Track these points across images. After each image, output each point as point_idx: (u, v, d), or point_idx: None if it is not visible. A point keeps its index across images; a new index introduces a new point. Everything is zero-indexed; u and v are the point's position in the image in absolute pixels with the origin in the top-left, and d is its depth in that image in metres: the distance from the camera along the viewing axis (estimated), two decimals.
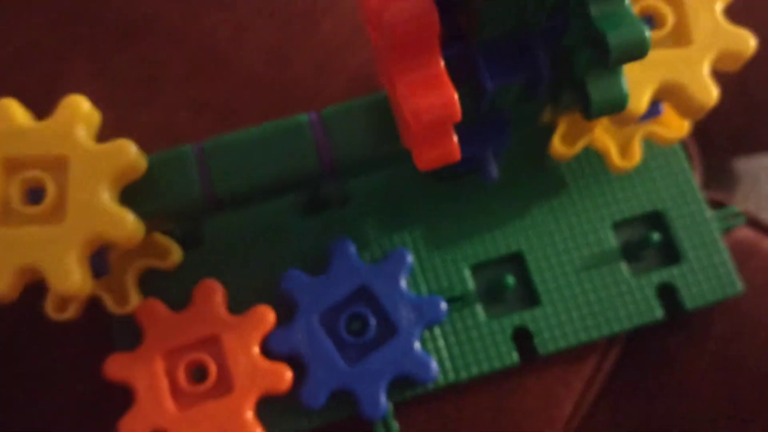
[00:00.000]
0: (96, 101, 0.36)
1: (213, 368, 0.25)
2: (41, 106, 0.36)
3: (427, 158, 0.20)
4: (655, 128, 0.28)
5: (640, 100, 0.23)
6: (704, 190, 0.32)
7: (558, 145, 0.27)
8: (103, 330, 0.28)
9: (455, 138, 0.20)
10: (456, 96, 0.19)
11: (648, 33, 0.19)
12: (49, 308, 0.26)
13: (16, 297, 0.23)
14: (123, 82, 0.35)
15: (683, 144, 0.31)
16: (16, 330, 0.30)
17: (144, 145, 0.36)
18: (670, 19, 0.25)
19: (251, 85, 0.35)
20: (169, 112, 0.35)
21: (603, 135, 0.28)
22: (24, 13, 0.37)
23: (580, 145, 0.27)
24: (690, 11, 0.24)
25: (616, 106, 0.21)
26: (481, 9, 0.19)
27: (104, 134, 0.26)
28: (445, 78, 0.19)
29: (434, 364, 0.26)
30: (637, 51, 0.19)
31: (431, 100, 0.19)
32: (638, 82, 0.23)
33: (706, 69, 0.24)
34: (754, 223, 0.34)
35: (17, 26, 0.36)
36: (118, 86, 0.35)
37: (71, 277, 0.22)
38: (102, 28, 0.36)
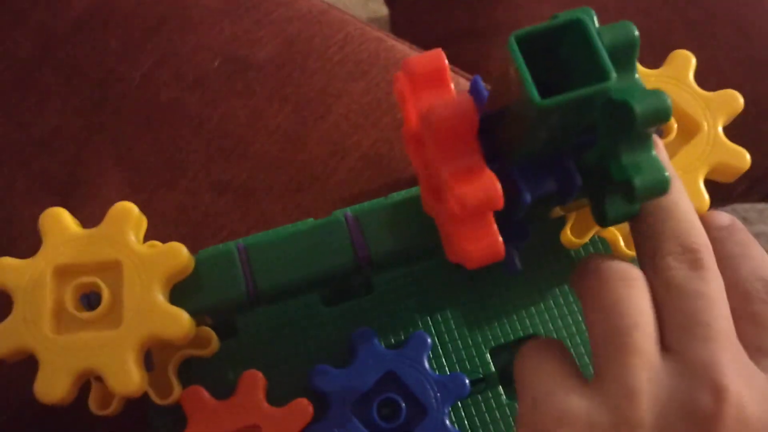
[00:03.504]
0: (119, 185, 0.37)
1: None
2: (64, 190, 0.37)
3: (475, 255, 0.21)
4: None
5: None
6: None
7: (569, 236, 0.29)
8: (133, 415, 0.29)
9: (497, 232, 0.21)
10: (498, 183, 0.20)
11: (668, 176, 0.21)
12: (93, 405, 0.27)
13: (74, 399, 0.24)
14: (146, 167, 0.37)
15: None
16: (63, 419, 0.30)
17: (168, 225, 0.38)
18: None
19: (268, 166, 0.37)
20: (192, 194, 0.36)
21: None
22: (48, 99, 0.38)
23: (589, 235, 0.29)
24: None
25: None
26: (517, 135, 0.21)
27: None
28: (486, 168, 0.20)
29: None
30: (660, 191, 0.21)
31: (474, 187, 0.20)
32: None
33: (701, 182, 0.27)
34: None
35: (41, 112, 0.38)
36: (141, 170, 0.37)
37: (131, 380, 0.23)
38: (124, 115, 0.38)
